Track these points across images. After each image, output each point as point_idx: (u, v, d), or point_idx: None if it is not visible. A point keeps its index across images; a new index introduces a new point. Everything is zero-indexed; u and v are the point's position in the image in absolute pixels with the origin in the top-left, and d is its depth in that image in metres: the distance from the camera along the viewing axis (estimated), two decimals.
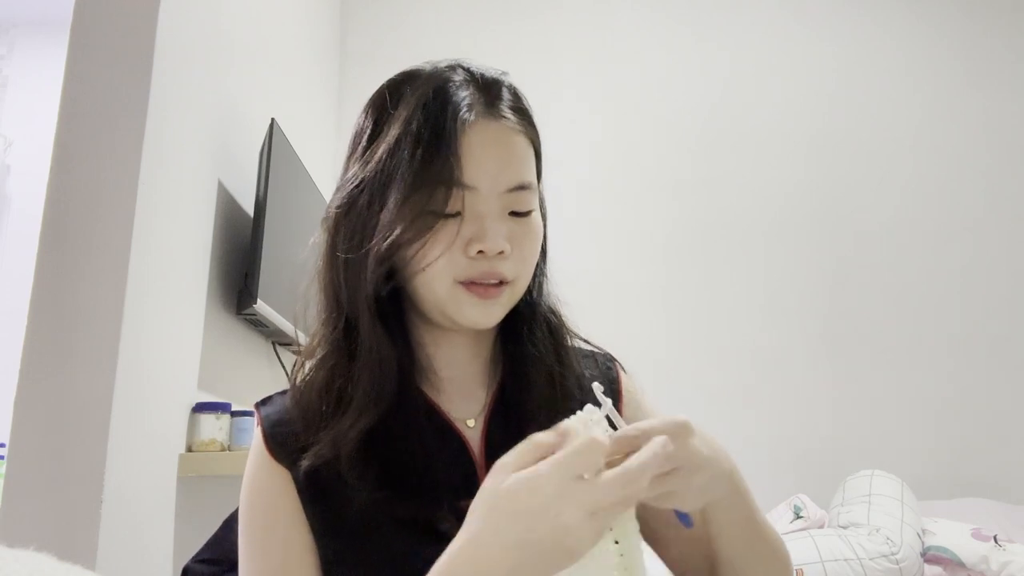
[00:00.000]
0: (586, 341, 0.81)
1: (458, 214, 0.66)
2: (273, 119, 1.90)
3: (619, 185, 2.96)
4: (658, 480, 0.54)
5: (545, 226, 0.76)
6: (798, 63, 3.03)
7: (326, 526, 0.68)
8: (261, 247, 1.79)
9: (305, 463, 0.67)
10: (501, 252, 0.67)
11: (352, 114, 0.73)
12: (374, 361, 0.68)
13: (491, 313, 0.69)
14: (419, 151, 0.65)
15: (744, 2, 3.09)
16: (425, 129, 0.66)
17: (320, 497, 0.68)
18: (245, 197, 1.98)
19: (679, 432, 0.55)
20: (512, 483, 0.50)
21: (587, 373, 0.78)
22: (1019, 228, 2.85)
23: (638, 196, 2.95)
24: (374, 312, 0.69)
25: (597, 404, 0.56)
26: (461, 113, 0.67)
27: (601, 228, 2.89)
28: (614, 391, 0.80)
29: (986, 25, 3.01)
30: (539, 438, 0.52)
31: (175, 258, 1.60)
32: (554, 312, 0.78)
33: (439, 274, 0.67)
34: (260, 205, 1.83)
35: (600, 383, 0.77)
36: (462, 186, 0.66)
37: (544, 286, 0.78)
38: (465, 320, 0.69)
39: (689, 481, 0.56)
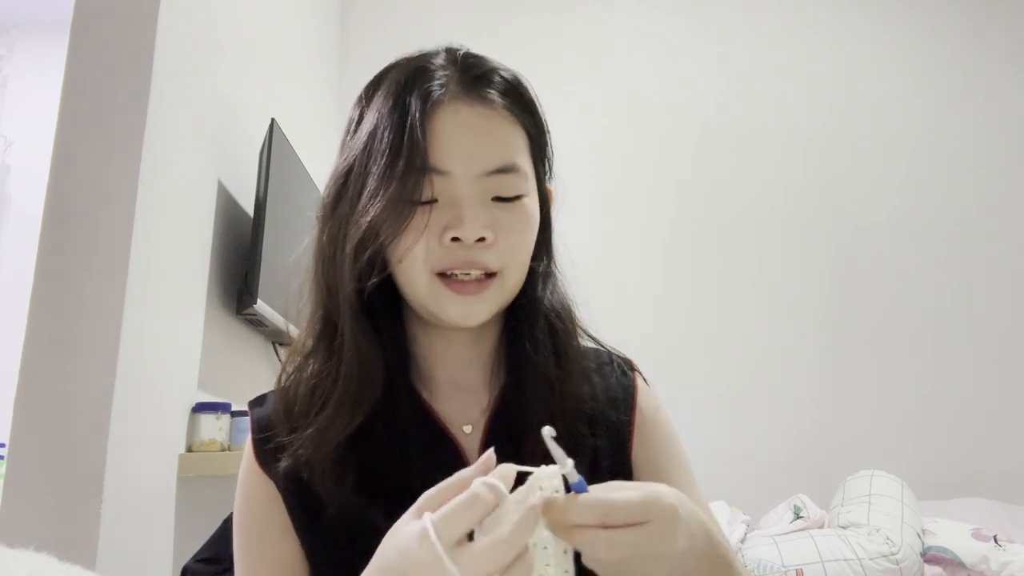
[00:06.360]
0: (597, 342, 0.76)
1: (434, 201, 0.63)
2: (273, 119, 1.90)
3: (618, 184, 2.96)
4: (614, 544, 0.48)
5: (550, 222, 0.73)
6: (798, 62, 3.03)
7: (304, 528, 0.67)
8: (261, 247, 1.79)
9: (283, 464, 0.65)
10: (481, 239, 0.62)
11: None
12: (355, 360, 0.65)
13: (475, 311, 0.64)
14: (389, 137, 0.63)
15: (744, 2, 3.09)
16: (395, 114, 0.63)
17: (300, 498, 0.67)
18: (245, 197, 1.98)
19: (644, 509, 0.49)
20: (395, 539, 0.48)
21: (597, 380, 0.73)
22: (1020, 227, 2.85)
23: (637, 195, 2.95)
24: (356, 308, 0.65)
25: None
26: (432, 94, 0.64)
27: (600, 227, 2.89)
28: (628, 403, 0.74)
29: (984, 23, 3.01)
30: (464, 478, 0.48)
31: (175, 258, 1.60)
32: (559, 313, 0.71)
33: (416, 265, 0.63)
34: (260, 205, 1.83)
35: (609, 391, 0.73)
36: (433, 171, 0.62)
37: (551, 284, 0.72)
38: (448, 318, 0.65)
39: (653, 548, 0.49)
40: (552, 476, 0.49)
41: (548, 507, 0.48)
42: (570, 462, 0.49)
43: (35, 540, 0.49)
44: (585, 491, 0.49)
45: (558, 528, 0.48)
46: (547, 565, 0.48)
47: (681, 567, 0.50)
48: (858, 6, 3.05)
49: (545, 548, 0.48)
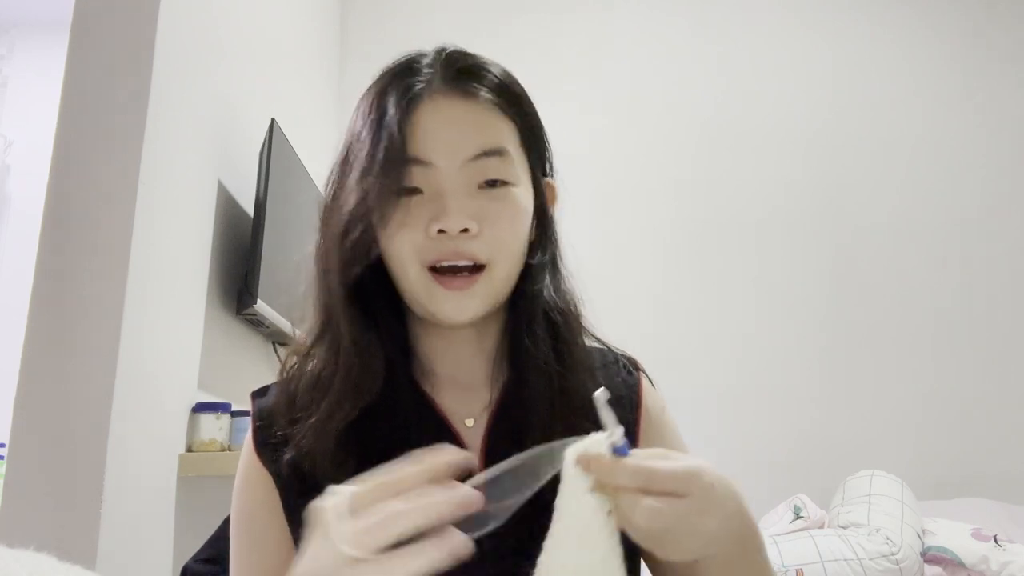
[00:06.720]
0: (602, 342, 0.76)
1: (418, 192, 0.64)
2: (273, 119, 1.90)
3: (618, 184, 2.96)
4: (654, 512, 0.48)
5: (549, 217, 0.73)
6: (798, 62, 3.03)
7: (301, 521, 0.67)
8: (261, 247, 1.79)
9: (286, 455, 0.66)
10: (466, 230, 0.63)
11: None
12: (351, 349, 0.66)
13: (465, 306, 0.65)
14: (374, 132, 0.64)
15: (744, 2, 3.09)
16: (377, 109, 0.65)
17: (300, 490, 0.66)
18: (245, 197, 1.98)
19: (686, 482, 0.49)
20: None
21: (601, 378, 0.72)
22: (1020, 227, 2.85)
23: (637, 195, 2.95)
24: (353, 303, 0.66)
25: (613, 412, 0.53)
26: (412, 87, 0.65)
27: (600, 227, 2.89)
28: (633, 402, 0.74)
29: (984, 23, 3.01)
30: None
31: (175, 258, 1.60)
32: (561, 309, 0.71)
33: (407, 259, 0.64)
34: (260, 205, 1.83)
35: (613, 390, 0.73)
36: (414, 161, 0.63)
37: (552, 279, 0.72)
38: (440, 314, 0.65)
39: (690, 522, 0.49)
40: (599, 444, 0.50)
41: (593, 466, 0.49)
42: (620, 429, 0.49)
43: (35, 540, 0.49)
44: (627, 455, 0.49)
45: (601, 488, 0.49)
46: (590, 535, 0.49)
47: (712, 544, 0.51)
48: (858, 6, 3.05)
49: (589, 513, 0.49)
